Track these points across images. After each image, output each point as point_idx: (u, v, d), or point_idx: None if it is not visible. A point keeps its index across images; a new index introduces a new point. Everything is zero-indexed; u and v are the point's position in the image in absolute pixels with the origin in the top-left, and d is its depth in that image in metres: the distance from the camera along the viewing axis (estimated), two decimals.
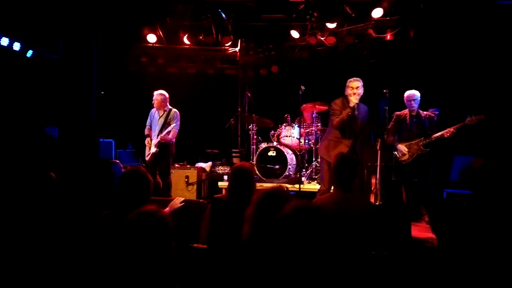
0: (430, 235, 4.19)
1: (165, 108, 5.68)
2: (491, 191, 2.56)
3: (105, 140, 6.26)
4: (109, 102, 6.09)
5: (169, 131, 5.49)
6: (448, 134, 4.81)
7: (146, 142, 5.70)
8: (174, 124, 5.54)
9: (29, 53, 6.10)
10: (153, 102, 5.70)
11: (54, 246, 2.42)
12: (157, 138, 5.50)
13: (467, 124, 4.74)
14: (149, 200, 2.42)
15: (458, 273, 1.91)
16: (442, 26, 5.73)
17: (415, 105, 5.04)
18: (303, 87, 5.30)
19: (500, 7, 5.14)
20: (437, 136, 4.89)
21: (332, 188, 2.84)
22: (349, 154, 2.81)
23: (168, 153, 5.64)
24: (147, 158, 5.64)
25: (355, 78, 4.71)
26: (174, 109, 5.70)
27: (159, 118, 5.67)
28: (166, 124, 5.55)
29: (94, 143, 2.59)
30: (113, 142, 7.20)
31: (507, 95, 5.41)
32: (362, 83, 4.67)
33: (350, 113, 4.56)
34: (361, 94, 4.64)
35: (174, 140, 5.65)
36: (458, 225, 2.40)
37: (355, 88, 4.61)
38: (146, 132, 5.80)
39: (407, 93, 5.12)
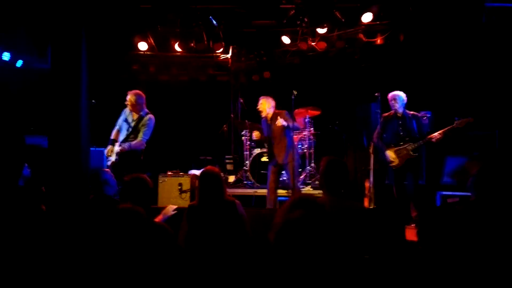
0: None
1: (141, 112, 4.89)
2: (490, 193, 2.57)
3: (96, 149, 6.18)
4: (101, 111, 6.04)
5: (133, 141, 4.77)
6: (434, 140, 4.78)
7: (106, 151, 4.88)
8: (144, 133, 4.79)
9: (19, 63, 6.06)
10: (126, 102, 4.87)
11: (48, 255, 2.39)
12: (120, 146, 4.77)
13: (455, 127, 4.71)
14: (149, 206, 2.44)
15: (452, 276, 1.89)
16: (431, 30, 5.78)
17: (397, 105, 4.98)
18: (295, 92, 5.32)
19: (488, 10, 5.20)
20: (425, 141, 4.85)
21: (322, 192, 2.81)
22: (334, 157, 2.76)
23: (133, 162, 4.77)
24: (108, 163, 4.86)
25: (261, 98, 5.33)
26: (150, 115, 4.91)
27: (132, 122, 4.88)
28: (136, 130, 4.80)
29: (83, 152, 2.56)
30: (105, 150, 7.13)
31: (497, 96, 5.46)
32: (266, 100, 5.28)
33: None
34: (267, 109, 5.26)
35: (143, 147, 4.89)
36: (451, 229, 2.39)
37: (259, 108, 5.29)
38: (113, 135, 4.95)
39: (390, 93, 5.11)
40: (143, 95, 4.93)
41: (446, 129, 4.76)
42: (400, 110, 5.01)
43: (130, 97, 4.81)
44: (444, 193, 5.09)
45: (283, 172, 5.56)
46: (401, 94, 5.02)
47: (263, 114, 5.30)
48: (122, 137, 4.87)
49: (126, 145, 4.74)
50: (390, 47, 6.27)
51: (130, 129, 4.83)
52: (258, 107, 5.33)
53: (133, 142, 4.78)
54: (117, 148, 4.78)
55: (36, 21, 4.98)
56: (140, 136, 4.76)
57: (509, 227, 2.40)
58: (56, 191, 2.49)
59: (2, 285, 2.16)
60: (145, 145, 4.87)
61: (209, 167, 3.15)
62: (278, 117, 5.06)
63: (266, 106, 5.24)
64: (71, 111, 2.49)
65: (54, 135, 2.51)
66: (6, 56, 5.88)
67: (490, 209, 2.51)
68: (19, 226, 2.52)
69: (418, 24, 5.84)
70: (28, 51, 5.97)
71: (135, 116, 4.88)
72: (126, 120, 4.91)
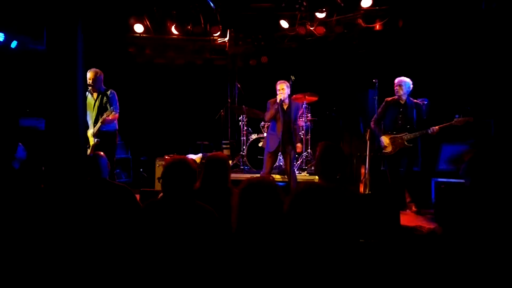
0: (418, 223, 4.25)
1: (101, 89, 4.87)
2: (482, 179, 2.60)
3: None
4: None
5: (108, 116, 4.74)
6: (431, 132, 4.78)
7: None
8: (113, 107, 4.77)
9: (14, 44, 5.97)
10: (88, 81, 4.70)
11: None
12: (95, 126, 4.73)
13: (453, 125, 4.70)
14: (193, 188, 2.34)
15: (450, 261, 1.93)
16: (430, 16, 5.74)
17: (401, 91, 4.96)
18: (293, 77, 5.28)
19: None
20: (421, 133, 4.86)
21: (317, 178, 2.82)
22: (330, 142, 2.72)
23: (112, 143, 4.92)
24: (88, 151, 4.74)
25: (281, 81, 5.20)
26: (110, 89, 4.93)
27: (95, 102, 4.82)
28: (102, 108, 4.76)
29: (81, 134, 2.55)
30: None
31: (494, 85, 5.46)
32: (287, 84, 5.16)
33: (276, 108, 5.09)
34: (288, 93, 5.16)
35: (117, 127, 4.98)
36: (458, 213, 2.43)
37: (280, 90, 5.12)
38: None
39: (396, 78, 5.06)
40: (101, 72, 4.90)
41: (444, 125, 4.77)
42: (404, 97, 4.99)
43: (90, 75, 4.71)
44: (439, 179, 5.12)
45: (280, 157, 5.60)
46: (407, 81, 4.98)
47: (281, 97, 5.09)
48: (89, 120, 4.79)
49: (106, 121, 4.72)
50: (389, 33, 6.24)
51: (98, 109, 4.78)
52: (278, 89, 5.14)
53: (109, 117, 4.74)
54: (92, 130, 4.75)
55: (32, 2, 4.89)
56: (112, 110, 4.73)
57: (503, 213, 2.44)
58: (54, 172, 2.49)
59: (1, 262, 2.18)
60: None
61: (217, 152, 3.15)
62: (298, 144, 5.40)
63: (285, 91, 5.14)
64: (69, 93, 2.47)
65: (52, 118, 2.50)
66: (0, 37, 5.79)
67: (483, 195, 2.54)
68: (16, 205, 2.54)
69: (417, 11, 5.80)
70: (23, 32, 5.87)
71: (95, 95, 4.85)
72: (88, 103, 4.79)
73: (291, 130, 5.20)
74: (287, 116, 5.18)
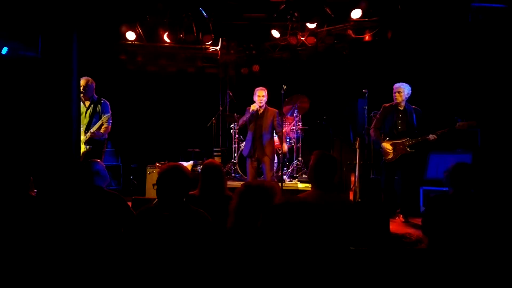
0: (408, 230, 4.30)
1: (93, 97, 4.92)
2: (464, 187, 2.68)
3: None
4: None
5: (102, 126, 4.81)
6: (431, 139, 4.75)
7: None
8: (108, 115, 4.85)
9: (4, 50, 5.93)
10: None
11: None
12: (87, 133, 4.78)
13: (456, 129, 4.65)
14: (187, 194, 2.37)
15: (440, 269, 1.98)
16: (419, 28, 5.87)
17: (400, 98, 4.91)
18: (285, 87, 5.34)
19: (474, 9, 5.29)
20: (423, 139, 4.80)
21: (311, 186, 2.86)
22: (324, 152, 2.78)
23: (101, 151, 4.98)
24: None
25: (261, 88, 5.39)
26: (103, 99, 4.97)
27: (87, 110, 4.87)
28: (94, 117, 4.84)
29: (74, 142, 2.55)
30: None
31: (481, 94, 5.58)
32: (266, 92, 5.36)
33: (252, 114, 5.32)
34: (265, 100, 5.35)
35: (106, 135, 5.02)
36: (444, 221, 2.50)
37: (260, 96, 5.31)
38: None
39: (395, 84, 5.03)
40: (93, 80, 4.96)
41: (446, 129, 4.72)
42: (403, 104, 4.93)
43: (81, 82, 4.69)
44: (427, 188, 5.20)
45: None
46: (406, 87, 4.93)
47: (260, 104, 5.31)
48: (81, 127, 4.74)
49: (97, 132, 4.78)
50: (378, 44, 6.35)
51: (90, 117, 4.84)
52: (258, 95, 5.30)
53: (102, 130, 4.83)
54: (83, 137, 4.75)
55: (26, 9, 4.87)
56: (106, 122, 4.83)
57: (486, 218, 2.52)
58: (46, 179, 2.49)
59: None
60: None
61: (210, 160, 3.23)
62: (284, 144, 5.59)
63: (264, 98, 5.32)
64: (63, 100, 2.48)
65: (45, 125, 2.50)
66: None
67: (466, 202, 2.62)
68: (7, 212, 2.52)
69: (406, 22, 5.92)
70: (15, 38, 5.83)
71: (87, 103, 4.90)
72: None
73: (263, 137, 5.30)
74: (260, 122, 5.33)
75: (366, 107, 5.51)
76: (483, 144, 5.25)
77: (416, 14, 5.76)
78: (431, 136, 4.78)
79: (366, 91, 5.46)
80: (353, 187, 5.44)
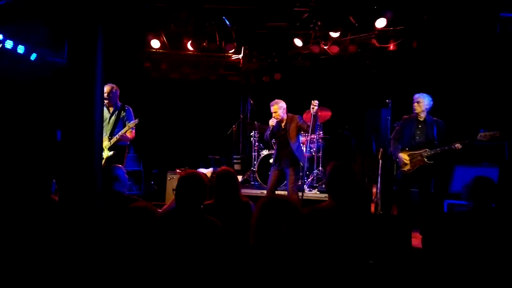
0: None
1: (117, 104, 5.01)
2: (484, 202, 2.59)
3: None
4: None
5: (128, 131, 4.90)
6: (455, 148, 4.55)
7: None
8: (136, 121, 4.93)
9: (33, 56, 6.14)
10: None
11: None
12: (112, 139, 4.85)
13: (478, 139, 4.47)
14: (203, 202, 2.41)
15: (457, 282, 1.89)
16: (445, 38, 5.75)
17: (419, 108, 4.77)
18: (315, 103, 5.09)
19: (503, 20, 5.16)
20: (443, 150, 4.61)
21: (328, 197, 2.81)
22: (342, 162, 2.73)
23: (123, 156, 5.03)
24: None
25: (274, 102, 5.25)
26: (126, 106, 5.06)
27: (110, 116, 4.96)
28: (119, 123, 4.93)
29: (96, 147, 2.59)
30: None
31: (509, 107, 5.41)
32: (281, 105, 5.21)
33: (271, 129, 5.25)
34: (282, 116, 5.20)
35: (129, 142, 5.10)
36: (455, 236, 2.41)
37: (273, 112, 5.20)
38: None
39: (415, 94, 4.88)
40: (118, 87, 5.04)
41: (468, 140, 4.53)
42: (423, 115, 4.80)
43: (106, 89, 4.79)
44: (452, 201, 5.04)
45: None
46: (426, 98, 4.79)
47: (277, 118, 5.20)
48: (105, 134, 4.85)
49: (124, 136, 4.83)
50: (403, 54, 6.25)
51: (113, 123, 4.92)
52: (272, 111, 5.21)
53: (128, 134, 4.90)
54: (106, 142, 4.82)
55: (53, 15, 5.04)
56: (130, 127, 4.90)
57: (506, 234, 2.42)
58: (68, 184, 2.53)
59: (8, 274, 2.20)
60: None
61: (224, 167, 3.25)
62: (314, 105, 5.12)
63: (280, 111, 5.19)
64: (87, 106, 2.52)
65: (68, 129, 2.55)
66: (21, 49, 5.96)
67: (486, 217, 2.53)
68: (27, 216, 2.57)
69: (432, 32, 5.81)
70: (44, 44, 6.03)
71: (111, 109, 4.97)
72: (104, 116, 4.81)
73: (289, 147, 5.16)
74: (283, 133, 5.23)
75: (389, 118, 5.39)
76: (511, 158, 5.06)
77: (442, 24, 5.64)
78: (457, 145, 4.55)
79: (390, 101, 5.36)
80: (375, 199, 5.32)
